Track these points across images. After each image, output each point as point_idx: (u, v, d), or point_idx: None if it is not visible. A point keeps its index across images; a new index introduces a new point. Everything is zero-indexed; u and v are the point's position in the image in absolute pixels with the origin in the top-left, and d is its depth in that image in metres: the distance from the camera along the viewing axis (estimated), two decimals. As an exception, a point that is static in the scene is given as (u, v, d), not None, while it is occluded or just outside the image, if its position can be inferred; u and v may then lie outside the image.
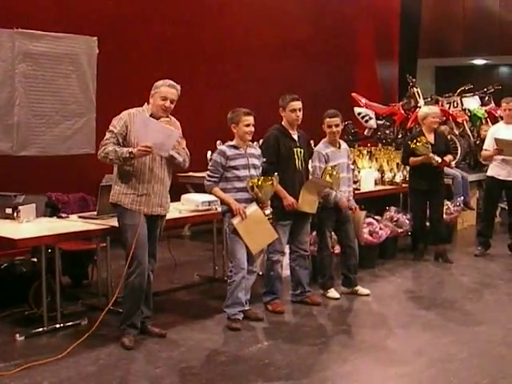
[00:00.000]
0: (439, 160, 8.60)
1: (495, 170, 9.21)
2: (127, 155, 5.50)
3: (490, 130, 9.69)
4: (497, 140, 8.99)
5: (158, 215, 5.85)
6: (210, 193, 6.47)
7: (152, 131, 5.51)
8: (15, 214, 6.41)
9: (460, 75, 17.60)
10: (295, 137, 6.84)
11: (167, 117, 5.74)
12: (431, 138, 8.81)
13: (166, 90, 5.68)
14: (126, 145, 5.61)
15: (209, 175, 6.38)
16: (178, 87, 5.76)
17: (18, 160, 8.44)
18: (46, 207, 7.02)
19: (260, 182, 6.34)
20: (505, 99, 9.33)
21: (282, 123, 6.83)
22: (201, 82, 10.81)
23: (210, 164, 6.43)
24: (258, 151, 6.59)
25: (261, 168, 6.55)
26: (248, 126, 6.36)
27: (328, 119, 7.17)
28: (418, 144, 8.54)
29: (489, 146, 9.27)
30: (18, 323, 6.28)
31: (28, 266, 6.81)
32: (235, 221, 6.26)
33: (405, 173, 9.70)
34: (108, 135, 5.64)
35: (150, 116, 5.66)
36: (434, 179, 8.78)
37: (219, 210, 6.69)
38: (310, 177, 7.03)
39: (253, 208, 6.35)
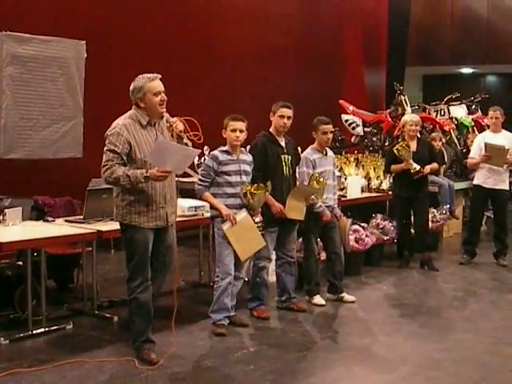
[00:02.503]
0: (417, 168, 8.63)
1: (481, 179, 9.24)
2: (142, 180, 5.19)
3: (476, 139, 9.72)
4: (487, 145, 8.99)
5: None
6: (201, 197, 6.46)
7: (171, 154, 5.19)
8: (1, 217, 6.38)
9: (447, 84, 17.68)
10: (282, 143, 6.86)
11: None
12: (413, 145, 8.85)
13: (154, 84, 5.34)
14: (130, 162, 5.28)
15: (200, 179, 6.38)
16: (159, 75, 5.45)
17: (4, 163, 8.43)
18: (32, 210, 7.01)
19: (253, 190, 6.37)
20: (492, 108, 9.37)
21: (270, 130, 6.85)
22: (189, 87, 10.81)
23: (202, 168, 6.44)
24: (249, 157, 6.59)
25: (251, 175, 6.56)
26: (234, 131, 6.34)
27: (324, 126, 7.20)
28: (399, 148, 8.58)
29: (475, 154, 9.30)
30: (2, 327, 6.25)
31: (13, 270, 6.76)
32: (225, 227, 6.26)
33: (391, 180, 9.71)
34: (111, 156, 5.24)
35: (149, 119, 5.39)
36: (415, 186, 8.81)
37: (207, 215, 6.69)
38: (298, 183, 7.05)
39: (242, 215, 6.36)
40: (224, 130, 6.37)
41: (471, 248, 9.49)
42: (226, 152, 6.37)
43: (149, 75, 5.41)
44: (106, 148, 5.31)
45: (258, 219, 6.62)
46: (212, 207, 6.43)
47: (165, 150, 5.25)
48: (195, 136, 5.52)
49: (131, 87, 5.44)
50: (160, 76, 5.45)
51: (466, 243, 9.63)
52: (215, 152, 6.42)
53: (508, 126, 9.49)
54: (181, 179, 8.69)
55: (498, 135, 9.23)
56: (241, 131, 6.37)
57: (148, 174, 5.19)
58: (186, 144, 5.51)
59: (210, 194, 6.34)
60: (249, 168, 6.53)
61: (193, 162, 7.38)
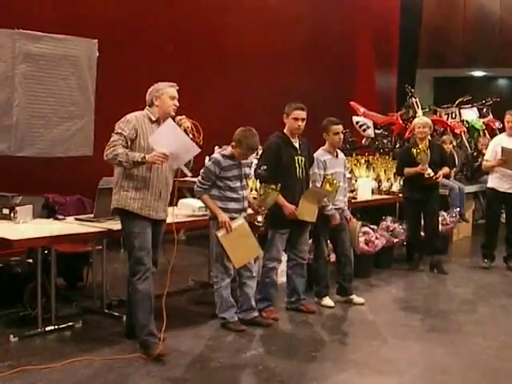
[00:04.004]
0: (431, 174, 8.59)
1: (496, 182, 9.19)
2: (139, 159, 5.39)
3: (492, 142, 9.67)
4: (503, 149, 8.95)
5: (161, 220, 5.81)
6: (199, 199, 6.48)
7: (174, 140, 5.38)
8: (12, 215, 6.40)
9: (459, 86, 17.61)
10: (296, 145, 6.84)
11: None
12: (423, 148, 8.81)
13: (172, 89, 5.68)
14: (133, 148, 5.50)
15: (200, 182, 6.35)
16: (177, 87, 5.77)
17: (15, 160, 8.45)
18: (42, 208, 7.02)
19: (271, 189, 6.42)
20: (508, 111, 9.26)
21: (284, 131, 6.84)
22: (200, 86, 10.81)
23: (203, 171, 6.38)
24: (250, 159, 6.61)
25: (250, 174, 6.59)
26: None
27: (335, 126, 7.20)
28: (419, 150, 8.53)
29: (491, 157, 9.26)
30: (12, 324, 6.26)
31: (23, 267, 6.79)
32: (220, 233, 6.25)
33: (401, 182, 9.68)
34: (116, 137, 5.50)
35: (158, 118, 5.62)
36: (427, 189, 8.76)
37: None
38: (311, 185, 7.02)
39: (239, 222, 6.34)
40: (234, 144, 6.33)
41: (490, 251, 9.40)
42: (228, 157, 6.34)
43: (169, 83, 5.74)
44: (113, 132, 5.57)
45: (260, 218, 6.63)
46: (210, 210, 6.44)
47: (170, 133, 5.44)
48: (197, 138, 5.65)
49: (150, 88, 5.74)
50: (178, 87, 5.75)
51: (485, 247, 9.50)
52: (217, 156, 6.38)
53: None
54: (191, 179, 8.76)
55: None
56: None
57: (145, 156, 5.40)
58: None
59: (208, 197, 6.33)
60: (249, 170, 6.57)
61: (204, 161, 7.40)
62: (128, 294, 5.90)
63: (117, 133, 5.53)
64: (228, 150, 6.38)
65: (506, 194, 9.13)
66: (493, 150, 9.25)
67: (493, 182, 9.27)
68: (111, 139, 5.53)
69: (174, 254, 5.78)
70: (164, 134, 5.42)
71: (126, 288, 5.99)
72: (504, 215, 9.69)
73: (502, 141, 9.27)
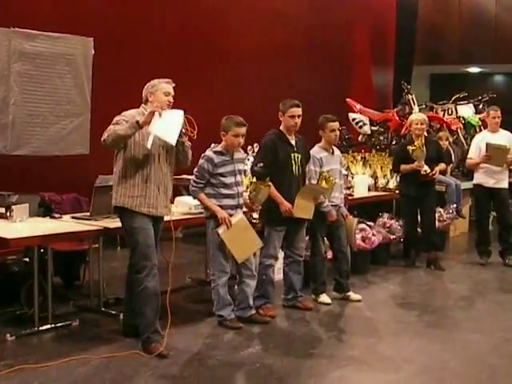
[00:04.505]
0: (427, 170, 8.58)
1: (481, 178, 9.22)
2: (134, 120, 5.38)
3: (474, 139, 9.68)
4: (489, 145, 8.96)
5: (161, 217, 5.80)
6: (195, 198, 6.47)
7: (172, 117, 5.44)
8: (8, 214, 6.40)
9: (455, 83, 17.63)
10: (293, 142, 6.83)
11: None
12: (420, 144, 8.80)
13: (167, 86, 5.67)
14: (129, 144, 5.51)
15: (195, 181, 6.33)
16: (173, 84, 5.76)
17: (11, 159, 8.45)
18: (39, 207, 7.03)
19: (261, 185, 6.41)
20: (493, 107, 9.36)
21: (280, 128, 6.82)
22: (196, 84, 10.80)
23: (196, 170, 6.36)
24: (243, 155, 6.61)
25: (246, 171, 6.57)
26: (236, 136, 6.27)
27: (332, 123, 7.18)
28: (414, 147, 8.52)
29: (474, 154, 9.27)
30: (8, 323, 6.26)
31: (20, 266, 6.79)
32: (220, 230, 6.24)
33: (398, 179, 9.68)
34: (111, 126, 5.48)
35: None
36: (423, 186, 8.77)
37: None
38: (307, 182, 7.02)
39: (238, 216, 6.35)
40: (224, 133, 6.28)
41: (485, 248, 9.42)
42: (220, 153, 6.32)
43: (165, 79, 5.73)
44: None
45: (255, 215, 6.64)
46: (207, 208, 6.42)
47: (175, 115, 5.49)
48: (191, 132, 5.65)
49: (146, 85, 5.73)
50: (174, 84, 5.74)
51: (479, 244, 9.51)
52: (209, 153, 6.33)
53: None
54: (187, 176, 8.75)
55: (497, 135, 9.21)
56: (243, 136, 6.34)
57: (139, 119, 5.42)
58: (181, 131, 5.58)
59: (204, 195, 6.31)
60: (243, 166, 6.56)
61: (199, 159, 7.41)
62: (129, 291, 5.87)
63: (112, 124, 5.53)
64: (219, 145, 6.36)
65: (492, 189, 9.15)
66: (476, 147, 9.27)
67: (479, 178, 9.29)
68: (108, 128, 5.51)
69: (173, 252, 5.80)
70: (171, 112, 5.50)
71: (124, 286, 6.00)
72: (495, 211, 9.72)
73: (485, 137, 9.28)
